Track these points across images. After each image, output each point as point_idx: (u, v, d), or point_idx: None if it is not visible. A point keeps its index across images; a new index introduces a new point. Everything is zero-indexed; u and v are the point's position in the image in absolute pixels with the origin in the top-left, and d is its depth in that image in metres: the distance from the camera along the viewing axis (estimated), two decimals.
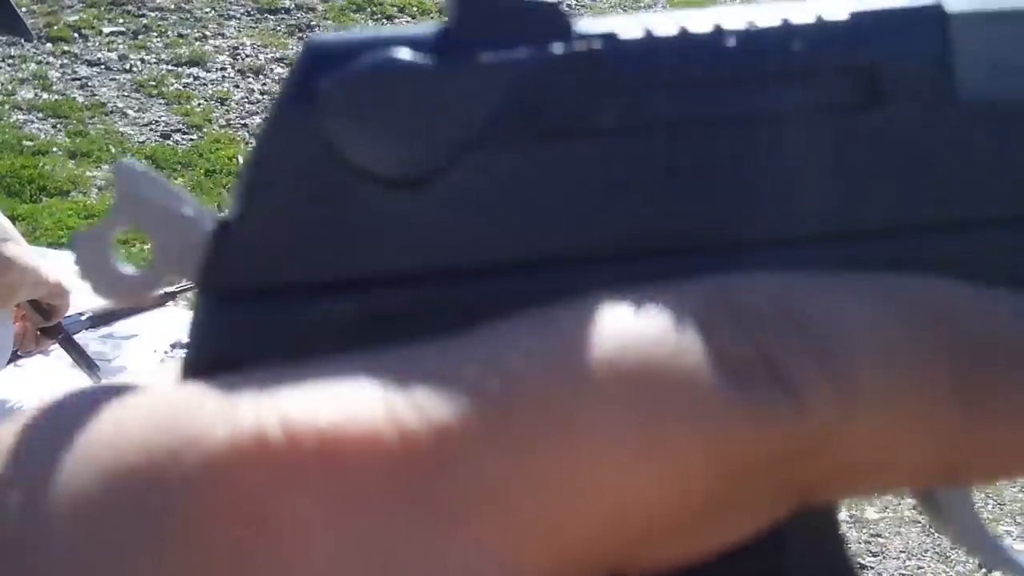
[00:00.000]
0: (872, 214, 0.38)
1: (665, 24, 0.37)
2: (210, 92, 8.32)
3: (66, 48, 8.38)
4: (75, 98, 7.84)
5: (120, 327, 3.53)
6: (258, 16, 9.55)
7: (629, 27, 0.38)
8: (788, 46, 0.37)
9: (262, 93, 8.46)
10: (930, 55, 0.37)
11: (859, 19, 0.37)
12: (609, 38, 0.38)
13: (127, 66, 8.35)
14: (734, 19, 0.37)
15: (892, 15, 0.38)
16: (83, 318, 3.30)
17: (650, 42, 0.37)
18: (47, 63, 8.19)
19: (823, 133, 0.37)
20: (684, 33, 0.37)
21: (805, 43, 0.37)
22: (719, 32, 0.37)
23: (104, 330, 3.48)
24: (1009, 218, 0.38)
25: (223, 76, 8.59)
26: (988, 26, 0.38)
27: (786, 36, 0.37)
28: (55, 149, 7.27)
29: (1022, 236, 0.38)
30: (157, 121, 7.69)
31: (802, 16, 0.37)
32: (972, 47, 0.37)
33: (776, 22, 0.37)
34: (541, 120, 0.36)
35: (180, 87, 8.25)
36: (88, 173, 7.07)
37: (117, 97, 7.87)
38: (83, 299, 2.87)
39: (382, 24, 9.93)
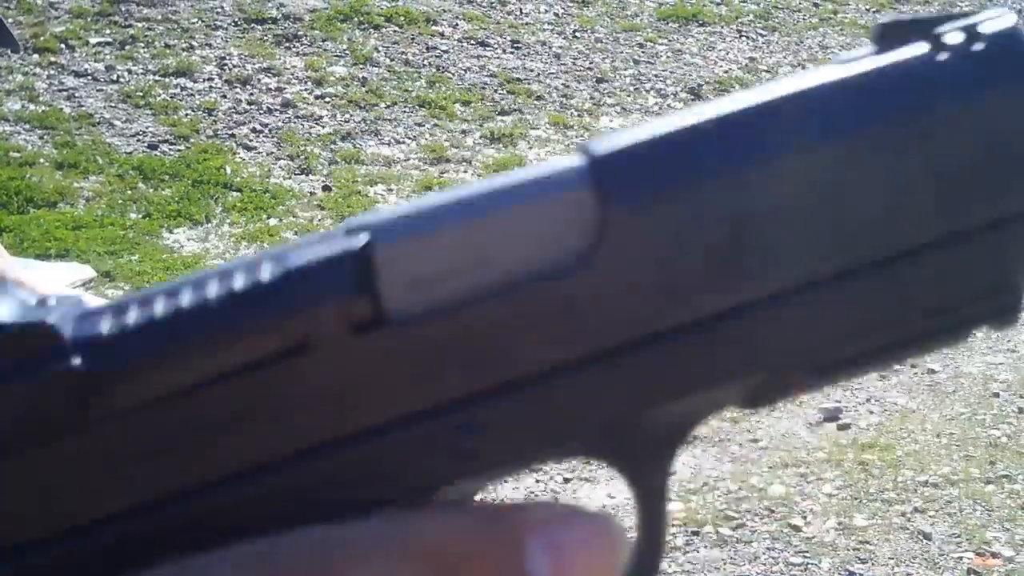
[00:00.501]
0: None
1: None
2: (197, 102, 8.32)
3: (53, 59, 8.37)
4: (62, 109, 7.83)
5: None
6: (245, 26, 9.55)
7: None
8: (218, 315, 0.43)
9: (249, 103, 8.47)
10: (353, 293, 0.43)
11: (282, 278, 0.43)
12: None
13: (114, 77, 8.34)
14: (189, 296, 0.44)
15: (315, 266, 0.44)
16: None
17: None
18: (34, 74, 8.19)
19: (259, 388, 0.44)
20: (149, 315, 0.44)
21: (234, 308, 0.43)
22: (171, 310, 0.43)
23: None
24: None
25: (210, 86, 8.59)
26: (406, 249, 0.44)
27: (216, 305, 0.43)
28: (42, 160, 7.26)
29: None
30: (144, 132, 7.69)
31: (236, 282, 0.44)
32: (395, 274, 0.44)
33: (212, 293, 0.44)
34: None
35: (167, 97, 8.25)
36: (75, 184, 7.07)
37: (104, 108, 7.86)
38: None
39: (369, 33, 9.94)
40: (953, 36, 0.47)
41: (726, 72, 10.99)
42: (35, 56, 8.36)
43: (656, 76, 10.52)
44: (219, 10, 9.65)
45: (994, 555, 4.26)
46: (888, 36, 0.49)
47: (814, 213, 0.46)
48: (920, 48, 0.47)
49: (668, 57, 10.24)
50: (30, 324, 0.42)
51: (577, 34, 10.93)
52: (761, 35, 12.36)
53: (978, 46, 0.47)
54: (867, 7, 14.00)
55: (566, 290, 0.45)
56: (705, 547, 4.31)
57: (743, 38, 12.05)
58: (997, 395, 5.35)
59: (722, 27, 12.23)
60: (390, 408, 0.44)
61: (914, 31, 0.48)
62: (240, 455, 0.44)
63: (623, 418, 0.48)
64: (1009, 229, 0.48)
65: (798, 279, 0.47)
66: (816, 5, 13.61)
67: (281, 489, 0.44)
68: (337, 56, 9.53)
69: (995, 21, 0.48)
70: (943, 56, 0.47)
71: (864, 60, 0.48)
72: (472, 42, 10.40)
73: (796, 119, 0.46)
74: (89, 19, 8.98)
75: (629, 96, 10.07)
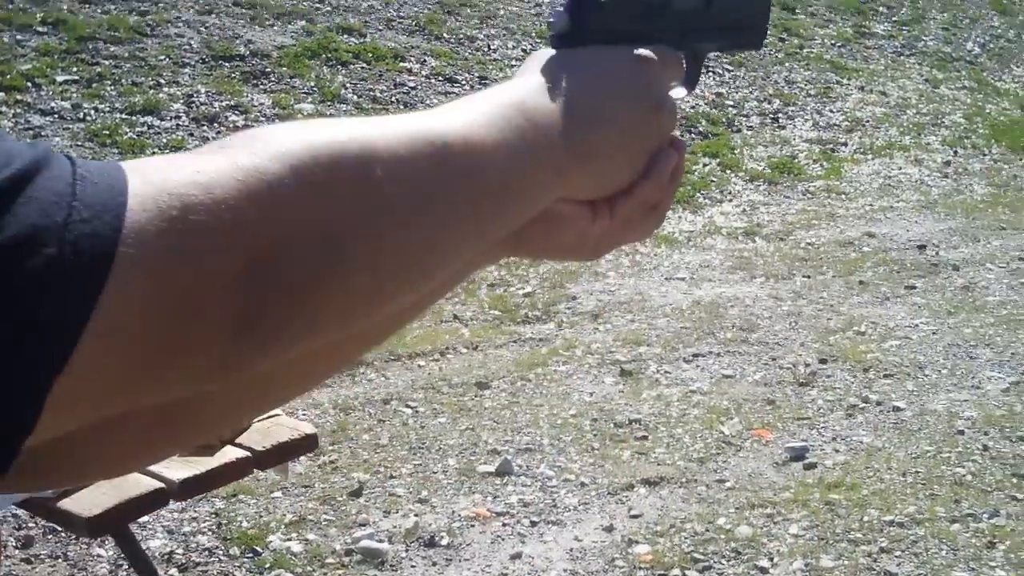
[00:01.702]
0: None
1: None
2: (164, 140, 8.30)
3: (19, 97, 8.34)
4: None
5: None
6: (212, 63, 9.54)
7: None
8: None
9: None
10: None
11: None
12: None
13: (80, 115, 8.32)
14: None
15: None
16: None
17: None
18: (0, 112, 8.16)
19: None
20: None
21: None
22: None
23: None
24: None
25: (177, 124, 8.57)
26: None
27: None
28: None
29: None
30: None
31: None
32: None
33: None
34: None
35: (134, 136, 8.23)
36: None
37: (71, 146, 7.83)
38: None
39: (337, 69, 9.95)
40: None
41: (693, 108, 11.04)
42: (1, 94, 8.33)
43: None
44: (187, 47, 9.65)
45: None
46: None
47: None
48: None
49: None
50: None
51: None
52: (728, 70, 12.43)
53: None
54: (832, 42, 14.11)
55: None
56: None
57: (710, 73, 12.12)
58: (962, 432, 5.38)
59: None
60: None
61: None
62: None
63: None
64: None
65: None
66: (782, 40, 13.70)
67: None
68: (305, 93, 9.53)
69: None
70: None
71: None
72: (440, 78, 10.42)
73: None
74: (56, 57, 8.96)
75: None
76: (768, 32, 1.19)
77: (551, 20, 0.96)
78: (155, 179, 0.61)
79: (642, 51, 0.94)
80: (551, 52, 0.94)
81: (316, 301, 0.67)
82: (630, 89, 0.92)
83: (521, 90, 0.86)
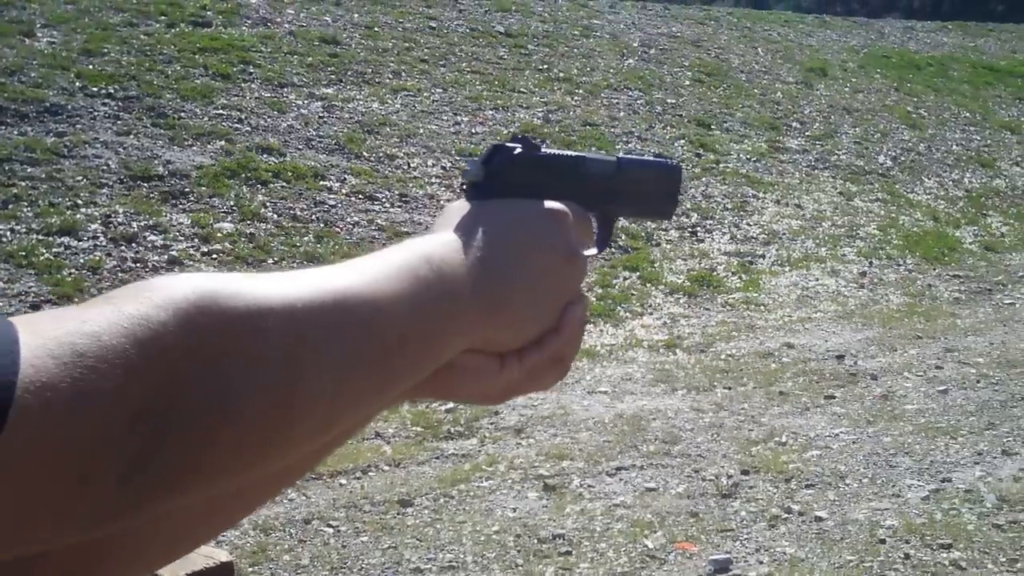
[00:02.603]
0: None
1: None
2: (82, 261, 8.23)
3: None
4: None
5: None
6: (131, 183, 9.51)
7: None
8: None
9: (135, 261, 8.40)
10: None
11: None
12: None
13: None
14: None
15: None
16: None
17: None
18: None
19: None
20: None
21: None
22: None
23: None
24: None
25: (95, 244, 8.51)
26: None
27: None
28: None
29: None
30: (27, 292, 7.57)
31: None
32: None
33: None
34: None
35: (51, 256, 8.15)
36: None
37: None
38: None
39: (256, 188, 9.96)
40: None
41: None
42: None
43: None
44: (104, 167, 9.61)
45: None
46: None
47: None
48: None
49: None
50: None
51: (464, 187, 11.05)
52: None
53: None
54: (748, 157, 14.35)
55: None
56: None
57: None
58: (883, 541, 5.39)
59: None
60: None
61: None
62: None
63: None
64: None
65: None
66: (699, 156, 13.92)
67: None
68: (224, 212, 9.52)
69: None
70: None
71: None
72: (360, 196, 10.46)
73: None
74: None
75: None
76: (679, 204, 1.23)
77: (466, 169, 0.98)
78: (44, 329, 0.62)
79: (553, 204, 0.97)
80: (464, 204, 0.96)
81: (205, 450, 0.67)
82: (541, 242, 0.94)
83: (431, 244, 0.88)
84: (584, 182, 1.05)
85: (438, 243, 0.88)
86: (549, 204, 0.97)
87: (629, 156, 1.12)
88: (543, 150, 1.02)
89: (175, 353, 0.65)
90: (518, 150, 0.99)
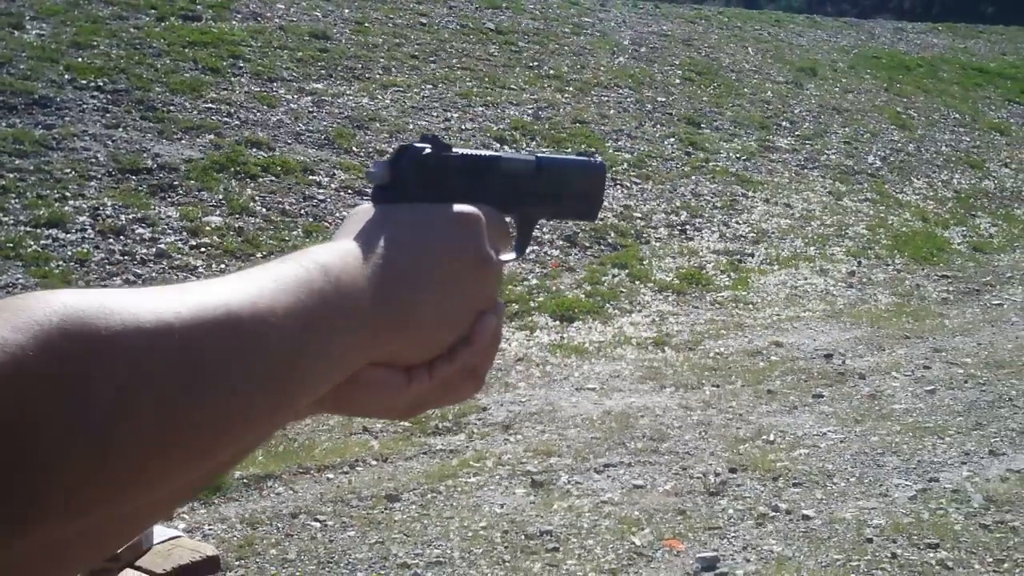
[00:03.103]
0: None
1: None
2: (70, 253, 8.21)
3: None
4: None
5: None
6: (119, 176, 9.49)
7: None
8: None
9: (123, 254, 8.38)
10: None
11: None
12: None
13: None
14: None
15: None
16: None
17: None
18: None
19: None
20: None
21: None
22: None
23: None
24: None
25: (83, 237, 8.49)
26: None
27: None
28: None
29: None
30: (14, 284, 7.55)
31: None
32: None
33: None
34: None
35: (38, 248, 8.13)
36: None
37: None
38: None
39: (245, 182, 9.94)
40: None
41: (601, 220, 11.14)
42: None
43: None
44: (93, 160, 9.59)
45: None
46: None
47: None
48: None
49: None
50: None
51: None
52: (636, 183, 12.59)
53: None
54: (738, 156, 14.36)
55: None
56: None
57: (618, 186, 12.26)
58: (870, 540, 5.39)
59: None
60: None
61: None
62: None
63: None
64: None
65: None
66: (688, 154, 13.93)
67: None
68: (213, 206, 9.50)
69: None
70: None
71: None
72: (349, 191, 10.45)
73: None
74: None
75: None
76: (603, 204, 1.17)
77: (372, 171, 0.93)
78: None
79: (463, 208, 0.92)
80: (369, 208, 0.91)
81: (72, 480, 0.62)
82: (450, 247, 0.89)
83: (328, 253, 0.83)
84: (500, 183, 1.00)
85: (337, 252, 0.84)
86: (459, 207, 0.92)
87: (549, 155, 1.07)
88: (455, 150, 0.97)
89: (31, 380, 0.60)
90: (427, 150, 0.94)
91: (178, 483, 0.71)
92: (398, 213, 0.90)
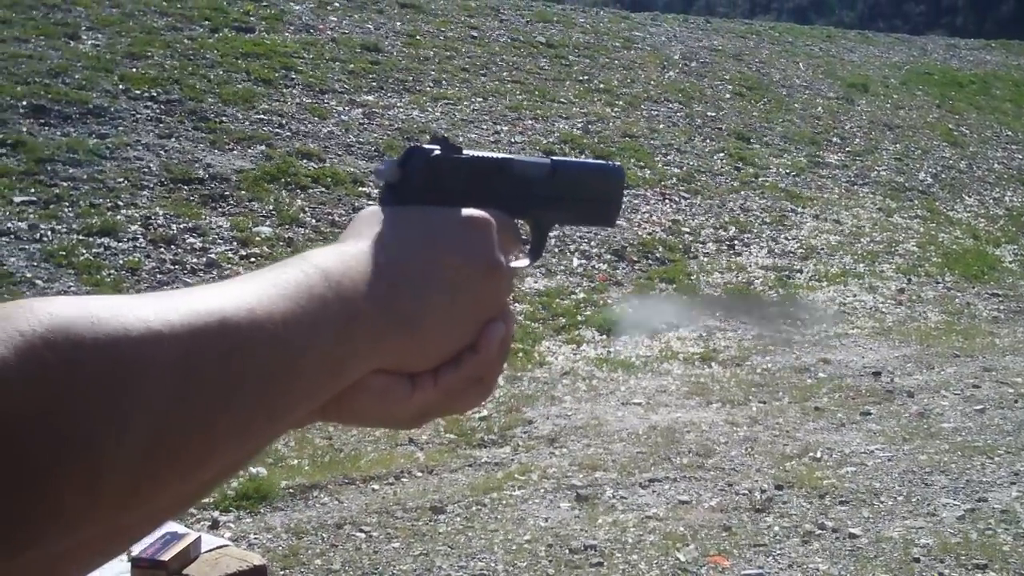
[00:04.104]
0: None
1: None
2: (121, 262, 8.28)
3: None
4: None
5: None
6: (171, 186, 9.57)
7: None
8: None
9: (174, 263, 8.44)
10: None
11: None
12: None
13: (37, 235, 8.29)
14: None
15: None
16: None
17: None
18: None
19: None
20: None
21: None
22: None
23: None
24: None
25: (134, 246, 8.56)
26: None
27: None
28: None
29: None
30: (66, 292, 7.61)
31: None
32: None
33: None
34: None
35: (91, 257, 8.21)
36: None
37: (26, 267, 7.80)
38: None
39: (295, 193, 10.00)
40: None
41: (650, 234, 11.13)
42: None
43: (581, 238, 10.64)
44: (146, 170, 9.67)
45: None
46: None
47: None
48: None
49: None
50: None
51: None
52: (684, 198, 12.56)
53: None
54: (787, 171, 14.30)
55: None
56: None
57: (667, 201, 12.24)
58: (917, 560, 5.35)
59: (646, 190, 12.42)
60: None
61: None
62: None
63: None
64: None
65: None
66: (737, 169, 13.89)
67: None
68: (263, 216, 9.56)
69: None
70: None
71: None
72: None
73: None
74: (14, 178, 8.96)
75: (554, 258, 10.16)
76: (621, 210, 1.12)
77: (380, 168, 0.91)
78: None
79: (473, 211, 0.89)
80: (376, 210, 0.89)
81: (60, 496, 0.60)
82: (458, 252, 0.87)
83: (331, 257, 0.80)
84: (513, 186, 0.98)
85: (340, 256, 0.81)
86: (468, 211, 0.89)
87: (565, 159, 1.04)
88: (466, 152, 0.94)
89: (12, 393, 0.58)
90: (436, 151, 0.92)
91: (173, 496, 0.69)
92: (405, 215, 0.88)
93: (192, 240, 8.87)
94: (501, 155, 0.98)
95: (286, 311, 0.73)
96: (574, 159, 1.06)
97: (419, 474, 6.27)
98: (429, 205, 0.89)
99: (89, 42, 12.03)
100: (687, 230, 11.72)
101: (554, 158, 1.03)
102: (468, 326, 0.88)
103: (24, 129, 9.72)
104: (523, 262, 0.97)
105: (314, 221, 9.73)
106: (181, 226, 9.02)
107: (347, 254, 0.82)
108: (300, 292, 0.75)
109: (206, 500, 5.68)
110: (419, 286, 0.84)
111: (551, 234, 9.67)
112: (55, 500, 0.60)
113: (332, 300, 0.77)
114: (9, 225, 8.34)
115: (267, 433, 0.74)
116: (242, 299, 0.72)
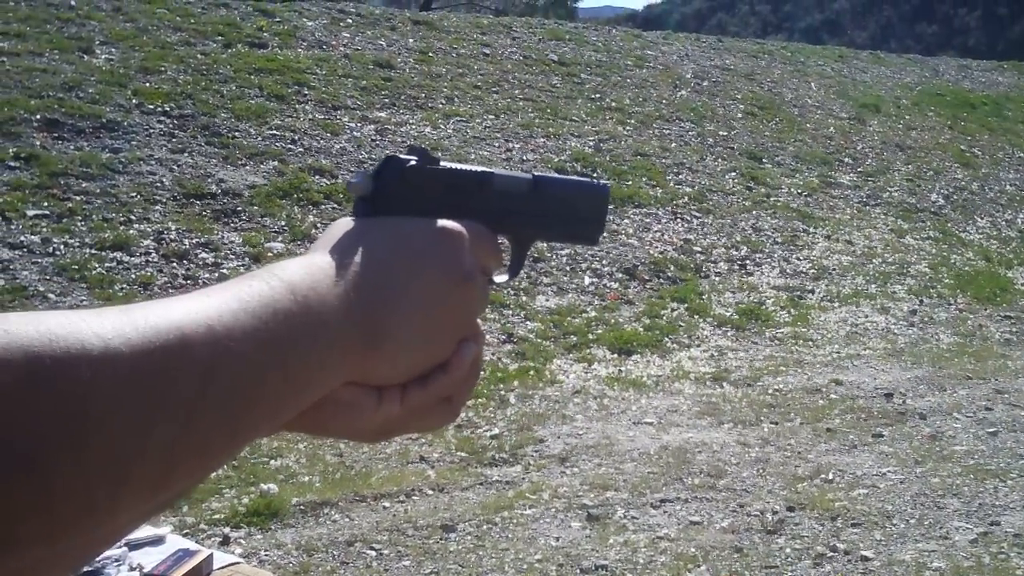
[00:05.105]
0: None
1: None
2: (133, 276, 8.29)
3: None
4: None
5: None
6: (184, 201, 9.58)
7: None
8: None
9: (186, 278, 8.45)
10: None
11: None
12: None
13: (50, 249, 8.31)
14: None
15: None
16: None
17: None
18: None
19: None
20: None
21: None
22: None
23: None
24: None
25: (147, 260, 8.57)
26: None
27: None
28: None
29: None
30: (78, 306, 7.62)
31: None
32: None
33: None
34: None
35: (103, 271, 8.22)
36: None
37: (39, 281, 7.81)
38: None
39: (308, 209, 10.01)
40: None
41: (661, 253, 11.12)
42: None
43: (592, 256, 10.63)
44: (158, 184, 9.69)
45: None
46: None
47: None
48: None
49: (604, 238, 10.32)
50: None
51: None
52: (696, 217, 12.55)
53: None
54: (799, 191, 14.30)
55: None
56: None
57: (678, 220, 12.24)
58: None
59: (657, 208, 12.42)
60: None
61: None
62: None
63: None
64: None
65: None
66: (749, 189, 13.88)
67: None
68: (275, 232, 9.57)
69: None
70: None
71: None
72: None
73: None
74: (27, 191, 8.98)
75: (565, 276, 10.16)
76: (605, 228, 1.10)
77: (353, 180, 0.89)
78: None
79: (445, 223, 0.88)
80: (348, 221, 0.88)
81: (13, 517, 0.59)
82: (429, 265, 0.86)
83: (298, 269, 0.79)
84: (492, 201, 0.96)
85: (307, 268, 0.80)
86: (442, 223, 0.88)
87: (548, 175, 1.03)
88: (444, 164, 0.94)
89: None
90: (412, 162, 0.91)
91: (131, 514, 0.67)
92: (376, 227, 0.87)
93: (204, 255, 8.88)
94: (481, 168, 0.98)
95: (247, 327, 0.72)
96: (557, 175, 1.04)
97: (430, 492, 6.26)
98: (403, 216, 0.88)
99: (103, 56, 12.07)
100: (699, 249, 11.71)
101: (536, 174, 1.02)
102: (440, 342, 0.87)
103: (38, 143, 9.75)
104: (501, 278, 0.96)
105: None
106: (193, 241, 9.03)
107: (315, 266, 0.81)
108: (264, 307, 0.74)
109: (217, 516, 5.67)
110: (389, 298, 0.83)
111: (562, 251, 9.62)
112: (8, 520, 0.59)
113: (297, 314, 0.75)
114: (22, 239, 8.36)
115: (229, 449, 0.73)
116: (204, 315, 0.70)
